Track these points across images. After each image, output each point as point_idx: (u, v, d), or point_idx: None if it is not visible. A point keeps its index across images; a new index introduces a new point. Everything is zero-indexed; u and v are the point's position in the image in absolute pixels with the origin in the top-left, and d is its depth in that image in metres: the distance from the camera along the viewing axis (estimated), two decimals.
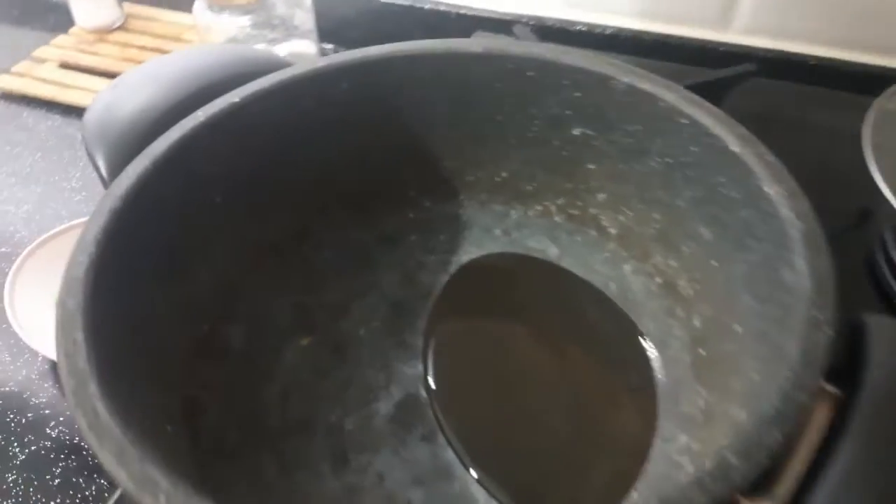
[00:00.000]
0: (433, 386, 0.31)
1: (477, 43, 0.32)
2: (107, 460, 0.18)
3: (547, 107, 0.32)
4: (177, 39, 0.65)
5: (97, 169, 0.27)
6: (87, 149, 0.27)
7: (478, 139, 0.34)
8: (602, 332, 0.32)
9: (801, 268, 0.21)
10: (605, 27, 0.56)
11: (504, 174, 0.35)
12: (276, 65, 0.30)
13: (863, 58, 0.51)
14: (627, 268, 0.33)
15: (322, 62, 0.30)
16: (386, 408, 0.30)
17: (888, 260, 0.38)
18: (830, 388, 0.20)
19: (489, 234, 0.36)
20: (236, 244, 0.31)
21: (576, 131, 0.32)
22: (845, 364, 0.21)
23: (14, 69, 0.62)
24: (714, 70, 0.46)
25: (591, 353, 0.32)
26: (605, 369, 0.31)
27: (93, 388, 0.19)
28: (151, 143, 0.27)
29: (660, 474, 0.27)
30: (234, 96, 0.28)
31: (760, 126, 0.26)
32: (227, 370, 0.30)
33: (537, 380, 0.31)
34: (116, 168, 0.27)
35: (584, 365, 0.32)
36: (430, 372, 0.31)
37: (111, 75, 0.63)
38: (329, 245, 0.35)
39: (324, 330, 0.33)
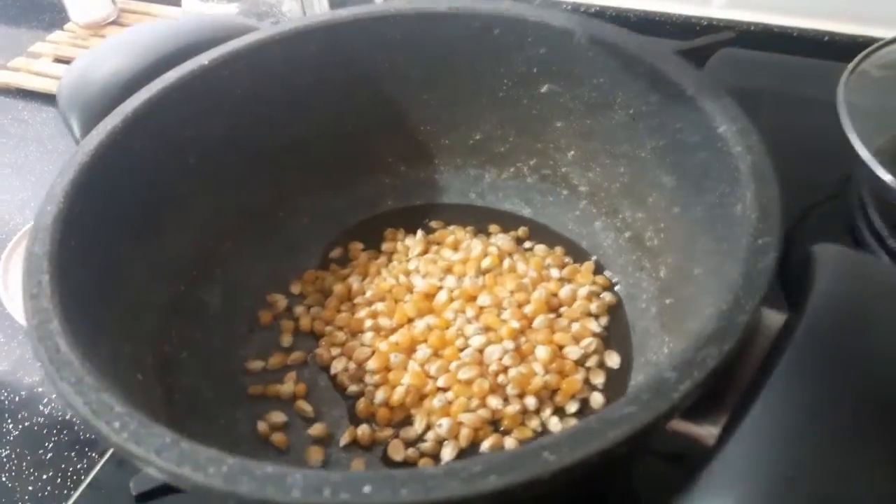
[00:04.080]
0: None
1: (442, 1, 0.32)
2: (64, 390, 0.18)
3: (514, 65, 0.32)
4: None
5: (71, 131, 0.28)
6: (61, 112, 0.28)
7: (451, 102, 0.34)
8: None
9: (749, 198, 0.21)
10: (590, 5, 0.57)
11: (478, 136, 0.35)
12: (247, 30, 0.31)
13: (843, 27, 0.51)
14: (598, 224, 0.33)
15: (288, 25, 0.31)
16: None
17: (868, 223, 0.38)
18: (777, 312, 0.20)
19: (465, 197, 0.36)
20: (213, 208, 0.31)
21: (543, 88, 0.32)
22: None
23: (10, 64, 0.63)
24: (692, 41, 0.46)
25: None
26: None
27: (55, 325, 0.20)
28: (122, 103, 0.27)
29: None
30: (203, 59, 0.29)
31: (743, 98, 0.25)
32: (203, 331, 0.30)
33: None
34: (90, 130, 0.28)
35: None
36: None
37: None
38: (306, 211, 0.35)
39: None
